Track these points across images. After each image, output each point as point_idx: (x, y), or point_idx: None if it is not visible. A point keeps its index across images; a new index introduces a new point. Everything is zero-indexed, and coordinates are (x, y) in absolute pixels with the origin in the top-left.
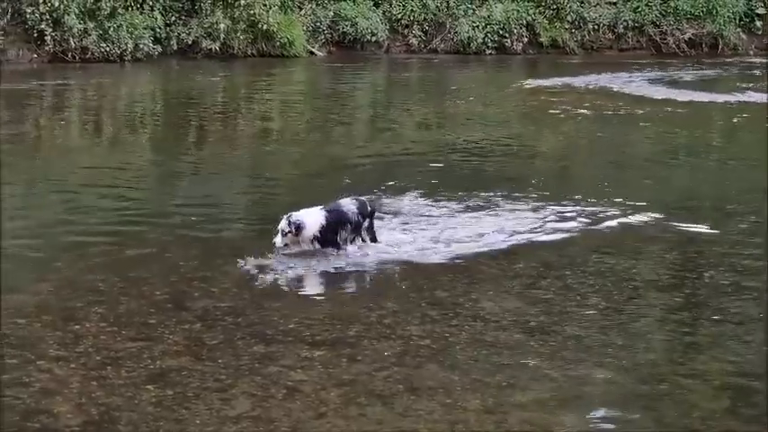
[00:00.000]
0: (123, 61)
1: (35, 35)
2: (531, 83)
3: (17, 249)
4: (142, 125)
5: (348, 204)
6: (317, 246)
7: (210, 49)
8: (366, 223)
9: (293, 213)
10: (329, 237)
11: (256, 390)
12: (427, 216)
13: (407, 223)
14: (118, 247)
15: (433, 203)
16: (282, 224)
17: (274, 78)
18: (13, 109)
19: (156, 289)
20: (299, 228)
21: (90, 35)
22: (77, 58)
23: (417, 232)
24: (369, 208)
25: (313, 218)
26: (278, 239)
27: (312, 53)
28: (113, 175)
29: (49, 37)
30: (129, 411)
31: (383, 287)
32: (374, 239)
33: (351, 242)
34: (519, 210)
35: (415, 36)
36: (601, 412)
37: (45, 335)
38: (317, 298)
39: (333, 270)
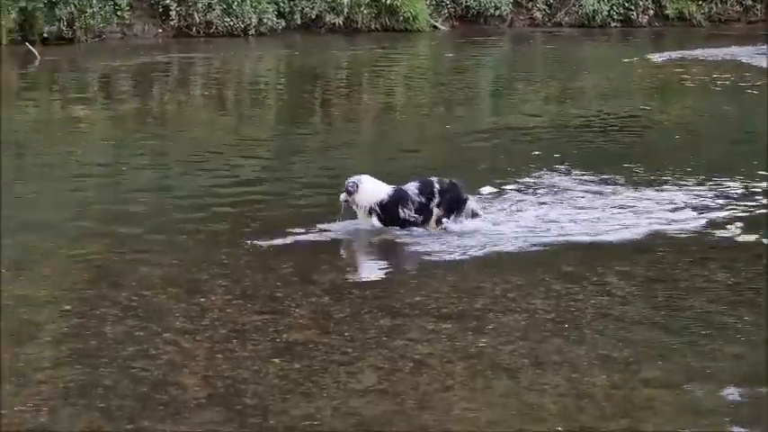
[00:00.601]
0: (247, 35)
1: (161, 10)
2: (658, 56)
3: (143, 220)
4: (266, 99)
5: (409, 185)
6: (375, 220)
7: (334, 23)
8: (438, 203)
9: (358, 176)
10: (390, 215)
11: (383, 363)
12: (560, 190)
13: (542, 197)
14: (243, 219)
15: (566, 177)
16: (347, 181)
17: (397, 53)
18: (139, 84)
19: (282, 262)
20: (353, 187)
21: (214, 9)
22: (201, 32)
23: (546, 207)
24: (436, 187)
25: (376, 190)
26: (342, 196)
27: (435, 27)
28: (238, 149)
29: (174, 12)
30: (255, 384)
31: (509, 261)
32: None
33: (422, 224)
34: (655, 186)
35: (539, 9)
36: (730, 388)
37: (171, 307)
38: (443, 271)
39: (458, 244)
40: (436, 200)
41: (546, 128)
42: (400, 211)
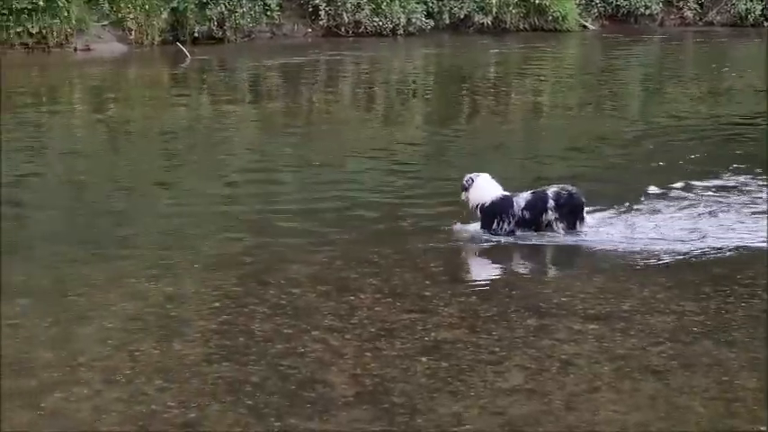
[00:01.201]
0: (395, 35)
1: (310, 10)
2: None
3: (291, 220)
4: (414, 99)
5: (519, 197)
6: (479, 216)
7: (482, 23)
8: (556, 217)
9: (476, 173)
10: (488, 218)
11: (530, 363)
12: (719, 191)
13: (700, 199)
14: (392, 219)
15: (724, 179)
16: (465, 177)
17: (546, 52)
18: (287, 83)
19: (431, 261)
20: (466, 184)
21: (363, 9)
22: (350, 32)
23: (703, 209)
24: (550, 203)
25: (489, 191)
26: (463, 194)
27: (584, 27)
28: (386, 148)
29: (323, 12)
30: (403, 383)
31: (658, 263)
32: (572, 227)
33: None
34: None
35: (690, 8)
36: None
37: (320, 305)
38: (590, 272)
39: (606, 244)
40: (552, 214)
41: (701, 128)
42: (495, 221)
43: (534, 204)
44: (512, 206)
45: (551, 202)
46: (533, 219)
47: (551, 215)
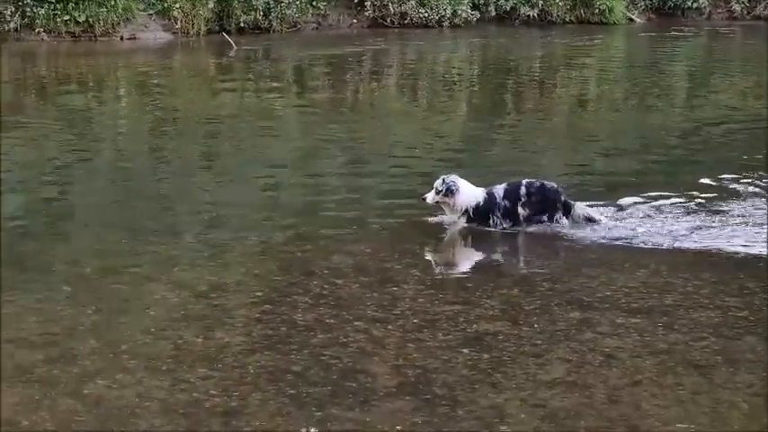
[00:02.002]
0: (441, 27)
1: (356, 1)
2: None
3: (334, 211)
4: (459, 91)
5: (497, 189)
6: (464, 221)
7: (529, 15)
8: (523, 204)
9: (452, 176)
10: (483, 217)
11: (572, 355)
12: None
13: (745, 197)
14: (434, 211)
15: None
16: (437, 182)
17: (592, 45)
18: (332, 74)
19: (473, 253)
20: (449, 190)
21: (409, 1)
22: (396, 23)
23: (749, 207)
24: (522, 191)
25: (472, 193)
26: (429, 195)
27: (631, 20)
28: (432, 140)
29: (369, 2)
30: (444, 374)
31: (702, 258)
32: (549, 220)
33: (511, 227)
34: None
35: (738, 2)
36: None
37: (362, 296)
38: (633, 266)
39: (649, 241)
40: (523, 202)
41: (748, 123)
42: (490, 218)
43: (511, 193)
44: (496, 199)
45: (524, 189)
46: (512, 208)
47: (523, 202)
